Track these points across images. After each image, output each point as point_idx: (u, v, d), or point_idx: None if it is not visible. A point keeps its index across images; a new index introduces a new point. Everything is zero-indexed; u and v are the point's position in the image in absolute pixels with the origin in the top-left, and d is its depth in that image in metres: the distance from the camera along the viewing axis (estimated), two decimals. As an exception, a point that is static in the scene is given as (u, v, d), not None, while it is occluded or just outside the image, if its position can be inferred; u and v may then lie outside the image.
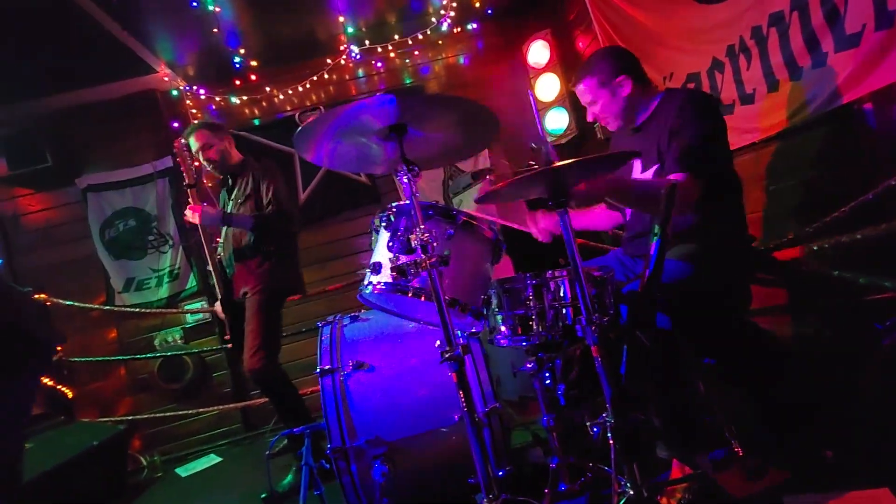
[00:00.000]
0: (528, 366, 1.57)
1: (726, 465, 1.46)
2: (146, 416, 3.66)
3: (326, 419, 1.50)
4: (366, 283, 1.38)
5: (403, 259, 1.21)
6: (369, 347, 1.65)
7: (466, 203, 3.42)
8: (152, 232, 3.85)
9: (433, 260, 1.12)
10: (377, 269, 1.35)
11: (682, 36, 2.59)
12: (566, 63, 4.04)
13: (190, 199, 2.49)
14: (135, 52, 3.37)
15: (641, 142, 1.73)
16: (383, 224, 1.41)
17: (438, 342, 1.63)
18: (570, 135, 3.99)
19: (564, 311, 1.49)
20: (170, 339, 3.80)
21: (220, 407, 3.74)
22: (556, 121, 4.02)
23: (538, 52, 4.03)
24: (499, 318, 1.52)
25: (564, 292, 1.49)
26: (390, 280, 1.27)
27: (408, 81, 4.28)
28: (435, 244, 1.15)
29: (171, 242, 3.85)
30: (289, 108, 4.11)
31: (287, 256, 2.60)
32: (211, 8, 2.96)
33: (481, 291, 1.44)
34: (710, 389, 1.52)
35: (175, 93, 3.83)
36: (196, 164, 2.65)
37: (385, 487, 1.46)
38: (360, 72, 4.22)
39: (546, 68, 4.03)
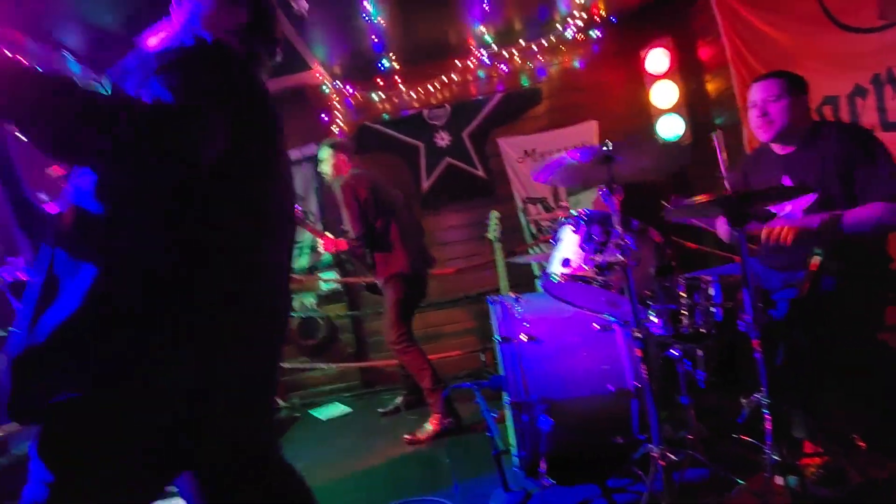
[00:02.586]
0: (674, 352, 1.89)
1: (850, 454, 1.70)
2: (286, 365, 4.31)
3: (506, 377, 1.90)
4: (556, 274, 1.73)
5: (600, 258, 1.56)
6: (536, 324, 2.02)
7: (585, 202, 3.70)
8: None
9: (631, 260, 1.46)
10: (567, 263, 1.70)
11: (822, 59, 2.70)
12: (685, 71, 4.17)
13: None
14: (300, 52, 3.91)
15: (794, 164, 1.89)
16: (571, 227, 1.75)
17: (597, 325, 1.98)
18: (685, 142, 4.14)
19: (713, 309, 1.79)
20: (307, 302, 4.42)
21: (344, 364, 4.33)
22: (671, 127, 4.17)
23: (657, 59, 4.18)
24: (652, 310, 1.85)
25: (715, 293, 1.79)
26: (580, 273, 1.62)
27: (525, 83, 4.57)
28: (632, 248, 1.48)
29: (311, 219, 4.44)
30: (416, 105, 4.55)
31: (390, 247, 2.95)
32: (377, 20, 3.40)
33: (646, 287, 1.76)
34: (840, 389, 1.75)
35: (325, 89, 4.36)
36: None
37: (549, 435, 1.84)
38: (481, 73, 4.56)
39: (664, 76, 4.18)
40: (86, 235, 0.88)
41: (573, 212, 1.80)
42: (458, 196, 4.47)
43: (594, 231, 1.65)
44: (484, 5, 3.63)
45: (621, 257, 1.47)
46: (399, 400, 3.52)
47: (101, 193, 0.88)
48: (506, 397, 1.95)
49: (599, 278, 1.62)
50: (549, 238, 4.30)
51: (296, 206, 3.21)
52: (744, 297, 1.50)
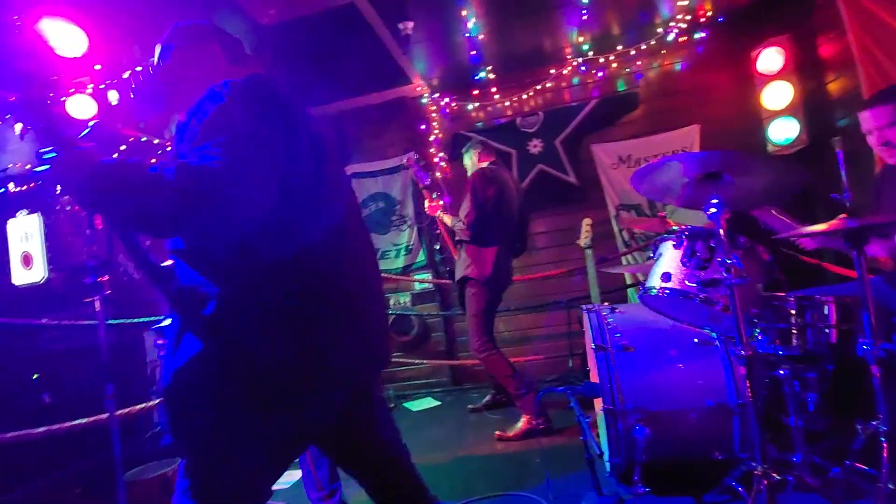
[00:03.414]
0: (781, 372, 1.84)
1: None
2: (381, 358, 4.63)
3: (601, 385, 1.97)
4: (655, 287, 1.78)
5: (704, 275, 1.58)
6: (632, 333, 2.07)
7: (683, 213, 3.59)
8: (395, 213, 4.78)
9: (736, 279, 1.47)
10: (667, 277, 1.74)
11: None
12: (803, 70, 3.89)
13: (426, 199, 3.36)
14: (403, 68, 4.20)
15: None
16: (672, 242, 1.79)
17: (696, 339, 1.98)
18: (800, 145, 3.86)
19: (827, 330, 1.73)
20: (401, 300, 4.72)
21: (435, 361, 4.57)
22: (784, 130, 3.91)
23: (770, 58, 3.94)
24: (758, 328, 1.82)
25: (829, 314, 1.73)
26: (688, 288, 1.65)
27: (621, 88, 4.51)
28: (737, 266, 1.49)
29: (408, 223, 4.74)
30: (509, 113, 4.67)
31: (485, 251, 3.03)
32: (479, 36, 3.58)
33: (753, 305, 1.74)
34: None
35: (424, 100, 4.64)
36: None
37: (644, 444, 1.88)
38: (575, 79, 4.57)
39: (778, 75, 3.92)
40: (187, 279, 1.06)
41: (674, 227, 1.83)
42: (548, 202, 4.52)
43: (697, 247, 1.68)
44: (582, 15, 3.66)
45: (726, 275, 1.49)
46: (487, 398, 3.67)
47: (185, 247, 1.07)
48: (600, 404, 2.02)
49: (702, 294, 1.65)
50: (642, 247, 4.21)
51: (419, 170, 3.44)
52: (863, 319, 1.45)
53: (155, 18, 3.08)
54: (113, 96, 3.05)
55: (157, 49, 1.32)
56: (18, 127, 3.64)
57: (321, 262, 1.10)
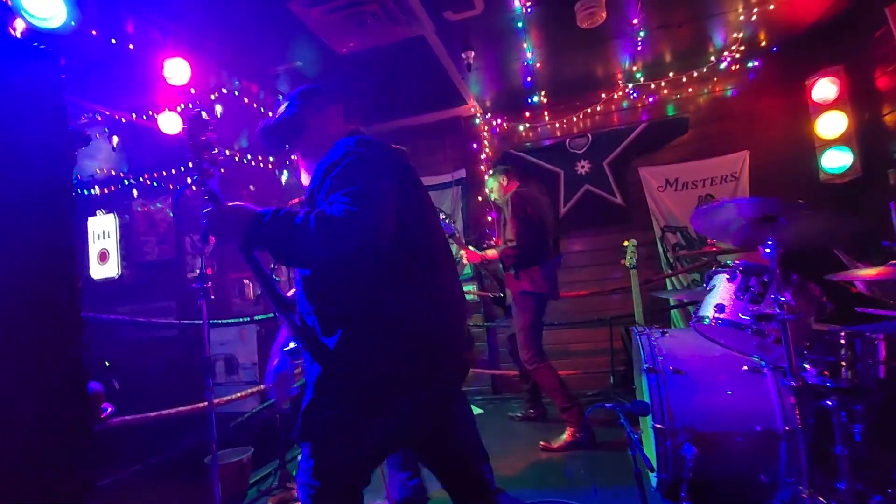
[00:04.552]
0: (829, 403, 1.94)
1: None
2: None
3: (651, 403, 2.11)
4: (708, 316, 1.92)
5: (757, 308, 1.72)
6: (682, 357, 2.20)
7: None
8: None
9: (789, 315, 1.61)
10: (720, 308, 1.88)
11: None
12: (858, 101, 3.90)
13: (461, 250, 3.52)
14: (459, 90, 4.44)
15: None
16: (726, 276, 1.92)
17: (746, 367, 2.10)
18: (853, 175, 3.87)
19: (876, 366, 1.83)
20: (447, 310, 4.93)
21: (478, 370, 4.75)
22: (837, 160, 3.92)
23: (825, 87, 3.97)
24: (808, 360, 1.93)
25: (878, 350, 1.83)
26: (740, 320, 1.79)
27: (671, 113, 4.61)
28: (790, 304, 1.63)
29: (457, 234, 4.95)
30: (558, 134, 4.84)
31: (535, 266, 3.20)
32: (535, 64, 3.78)
33: (804, 338, 1.86)
34: None
35: (477, 121, 4.86)
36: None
37: (692, 463, 2.01)
38: (625, 103, 4.70)
39: (832, 105, 3.95)
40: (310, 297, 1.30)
41: (728, 261, 1.96)
42: (593, 222, 4.66)
43: (751, 282, 1.81)
44: (637, 46, 3.80)
45: (779, 310, 1.62)
46: (520, 413, 3.83)
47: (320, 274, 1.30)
48: (649, 422, 2.16)
49: (755, 327, 1.78)
50: (687, 269, 4.29)
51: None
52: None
53: (244, 49, 3.42)
54: (217, 109, 3.39)
55: (285, 103, 1.58)
56: (115, 140, 4.05)
57: (426, 284, 1.31)
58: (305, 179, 1.49)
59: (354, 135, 1.41)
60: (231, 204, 1.23)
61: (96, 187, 5.63)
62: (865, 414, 1.90)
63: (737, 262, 1.93)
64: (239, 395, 2.90)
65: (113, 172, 5.42)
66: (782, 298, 1.63)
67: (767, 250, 1.69)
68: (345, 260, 1.20)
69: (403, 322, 1.25)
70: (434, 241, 1.40)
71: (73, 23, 2.48)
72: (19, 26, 2.47)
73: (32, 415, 0.82)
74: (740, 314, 1.81)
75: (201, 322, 2.26)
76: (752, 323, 1.75)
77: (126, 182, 5.66)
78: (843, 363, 1.86)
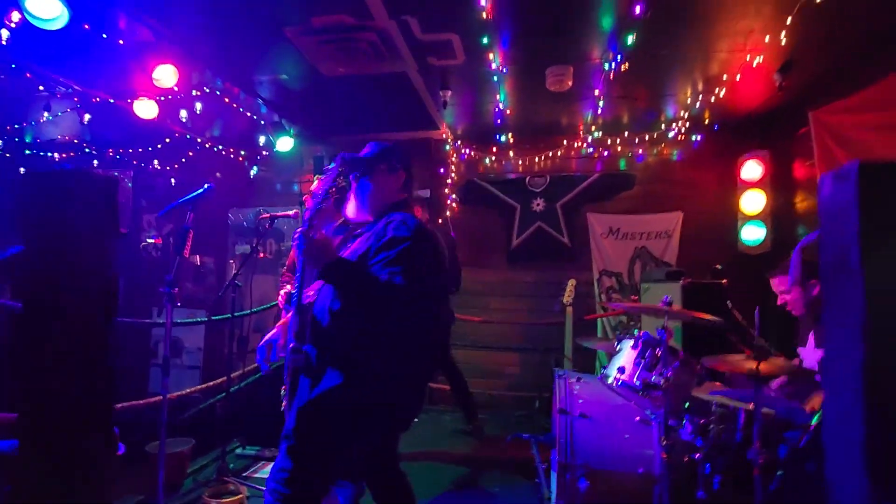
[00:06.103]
0: (696, 456, 2.36)
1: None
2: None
3: (558, 442, 2.47)
4: (611, 375, 2.29)
5: (647, 375, 2.10)
6: (591, 403, 2.58)
7: (654, 293, 4.14)
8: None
9: (670, 386, 1.99)
10: (622, 370, 2.25)
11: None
12: (776, 184, 4.47)
13: None
14: (433, 118, 4.70)
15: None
16: (630, 343, 2.30)
17: (638, 418, 2.50)
18: (763, 250, 4.44)
19: (735, 432, 2.26)
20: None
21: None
22: (753, 233, 4.48)
23: (752, 168, 4.52)
24: (685, 420, 2.34)
25: (738, 418, 2.26)
26: (634, 384, 2.16)
27: (622, 167, 5.06)
28: (672, 377, 2.01)
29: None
30: (521, 170, 5.19)
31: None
32: (505, 109, 4.11)
33: (685, 401, 2.26)
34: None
35: (447, 147, 5.14)
36: None
37: (585, 496, 2.39)
38: (583, 152, 5.12)
39: (756, 184, 4.50)
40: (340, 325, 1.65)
41: (635, 330, 2.34)
42: (541, 257, 5.05)
43: (647, 353, 2.19)
44: (598, 108, 4.20)
45: (664, 382, 2.00)
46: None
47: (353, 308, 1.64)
48: (554, 455, 2.52)
49: (643, 391, 2.16)
50: (617, 312, 4.75)
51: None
52: (753, 430, 1.98)
53: (233, 58, 3.54)
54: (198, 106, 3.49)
55: (374, 150, 1.83)
56: (87, 117, 4.06)
57: (428, 318, 1.72)
58: (351, 210, 1.83)
59: (405, 206, 1.79)
60: (321, 238, 1.59)
61: (56, 153, 5.50)
62: (725, 467, 2.33)
63: (641, 332, 2.31)
64: (189, 390, 3.05)
65: (76, 142, 5.32)
66: (668, 374, 2.01)
67: (661, 328, 2.07)
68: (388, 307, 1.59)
69: (412, 335, 1.64)
70: (441, 285, 1.90)
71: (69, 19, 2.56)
72: (14, 17, 2.53)
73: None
74: (635, 379, 2.19)
75: (163, 322, 2.42)
76: (642, 388, 2.13)
77: (87, 150, 5.56)
78: (711, 425, 2.29)
